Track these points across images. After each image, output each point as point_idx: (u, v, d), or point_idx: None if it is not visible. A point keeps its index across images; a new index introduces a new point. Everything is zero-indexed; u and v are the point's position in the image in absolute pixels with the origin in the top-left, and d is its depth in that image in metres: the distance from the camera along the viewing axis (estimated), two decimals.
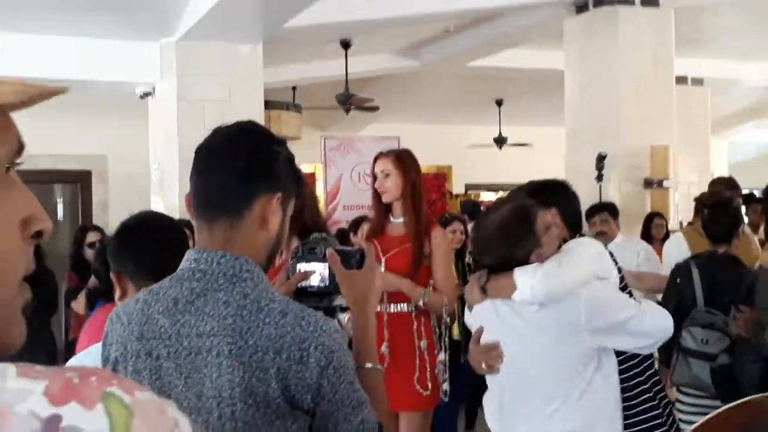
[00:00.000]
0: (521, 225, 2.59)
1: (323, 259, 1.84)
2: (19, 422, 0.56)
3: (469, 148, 11.74)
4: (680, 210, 8.32)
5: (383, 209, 3.81)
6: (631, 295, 2.86)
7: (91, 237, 5.76)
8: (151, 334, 1.56)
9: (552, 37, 7.51)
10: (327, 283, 1.85)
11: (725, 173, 14.36)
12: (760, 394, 0.86)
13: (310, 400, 1.50)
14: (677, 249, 4.82)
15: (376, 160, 3.88)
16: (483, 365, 2.74)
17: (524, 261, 2.55)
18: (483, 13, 7.25)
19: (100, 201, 9.30)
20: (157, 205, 6.63)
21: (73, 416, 0.57)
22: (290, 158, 1.68)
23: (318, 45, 7.64)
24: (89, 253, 5.63)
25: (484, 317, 2.76)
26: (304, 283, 1.87)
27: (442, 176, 9.76)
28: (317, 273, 1.86)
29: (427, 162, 9.82)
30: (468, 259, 5.78)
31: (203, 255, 1.57)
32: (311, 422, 1.54)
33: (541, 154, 10.16)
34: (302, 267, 1.87)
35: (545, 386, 2.62)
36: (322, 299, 1.85)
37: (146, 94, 6.82)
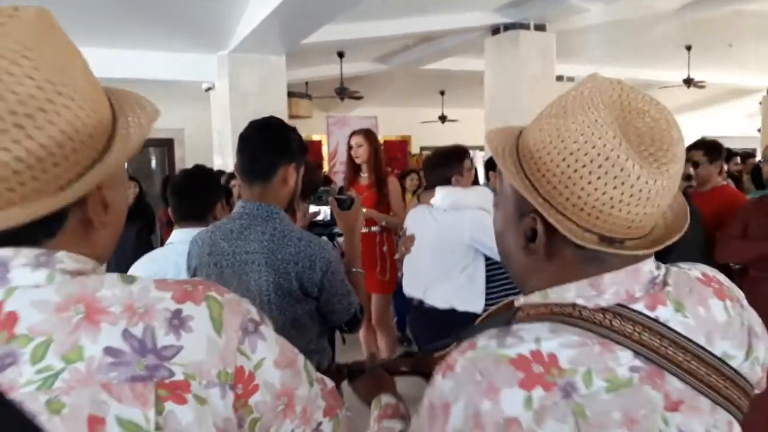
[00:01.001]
0: (456, 154, 2.74)
1: (327, 203, 1.91)
2: (158, 313, 0.62)
3: (422, 123, 11.70)
4: None
5: (355, 168, 3.87)
6: None
7: None
8: (217, 251, 1.61)
9: (477, 50, 7.47)
10: (329, 218, 1.91)
11: None
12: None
13: (317, 291, 1.57)
14: None
15: (351, 135, 3.88)
16: (402, 248, 2.86)
17: (449, 180, 2.66)
18: (431, 34, 7.19)
19: (179, 158, 9.21)
20: (217, 161, 6.67)
21: (188, 309, 0.64)
22: (299, 140, 1.69)
23: (322, 55, 7.53)
24: None
25: (416, 216, 2.86)
26: (316, 219, 1.96)
27: (404, 142, 9.78)
28: (323, 212, 1.93)
29: (394, 132, 9.89)
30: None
31: (247, 204, 1.61)
32: (317, 304, 1.60)
33: (470, 127, 10.15)
34: (313, 208, 1.94)
35: (439, 262, 2.68)
36: (326, 228, 1.93)
37: (209, 89, 6.72)
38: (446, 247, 2.67)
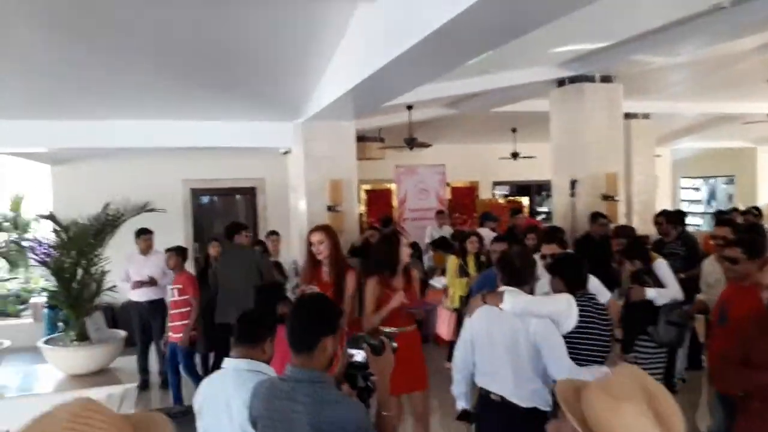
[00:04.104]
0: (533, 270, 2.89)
1: (362, 348, 2.12)
2: None
3: (495, 160, 11.76)
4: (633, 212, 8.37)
5: (316, 263, 3.92)
6: None
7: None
8: (271, 407, 1.95)
9: (545, 93, 7.55)
10: (365, 360, 2.11)
11: (669, 168, 14.02)
12: None
13: None
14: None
15: (311, 232, 3.96)
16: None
17: (525, 285, 2.85)
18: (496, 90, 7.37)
19: (261, 205, 9.89)
20: (291, 198, 7.27)
21: None
22: (338, 312, 2.02)
23: (393, 108, 7.80)
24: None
25: (481, 315, 2.92)
26: (353, 359, 2.14)
27: (473, 188, 9.91)
28: (359, 354, 2.12)
29: (462, 178, 10.10)
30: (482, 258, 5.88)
31: (295, 369, 1.94)
32: None
33: (541, 162, 10.09)
34: (351, 351, 2.14)
35: (514, 363, 2.78)
36: (361, 369, 2.12)
37: (286, 152, 7.33)
38: (519, 348, 2.78)
